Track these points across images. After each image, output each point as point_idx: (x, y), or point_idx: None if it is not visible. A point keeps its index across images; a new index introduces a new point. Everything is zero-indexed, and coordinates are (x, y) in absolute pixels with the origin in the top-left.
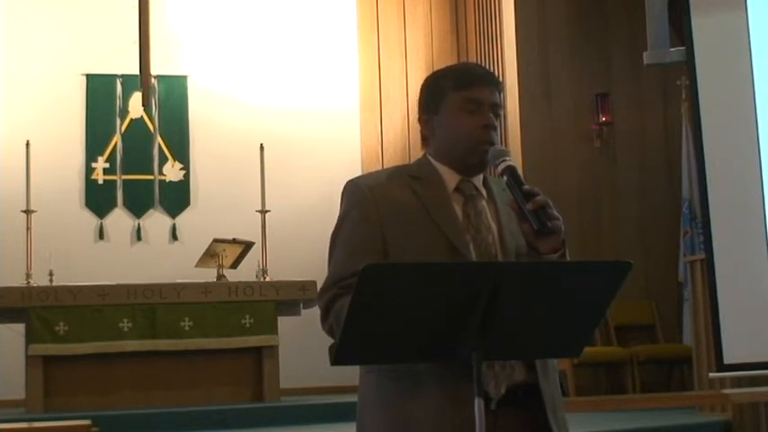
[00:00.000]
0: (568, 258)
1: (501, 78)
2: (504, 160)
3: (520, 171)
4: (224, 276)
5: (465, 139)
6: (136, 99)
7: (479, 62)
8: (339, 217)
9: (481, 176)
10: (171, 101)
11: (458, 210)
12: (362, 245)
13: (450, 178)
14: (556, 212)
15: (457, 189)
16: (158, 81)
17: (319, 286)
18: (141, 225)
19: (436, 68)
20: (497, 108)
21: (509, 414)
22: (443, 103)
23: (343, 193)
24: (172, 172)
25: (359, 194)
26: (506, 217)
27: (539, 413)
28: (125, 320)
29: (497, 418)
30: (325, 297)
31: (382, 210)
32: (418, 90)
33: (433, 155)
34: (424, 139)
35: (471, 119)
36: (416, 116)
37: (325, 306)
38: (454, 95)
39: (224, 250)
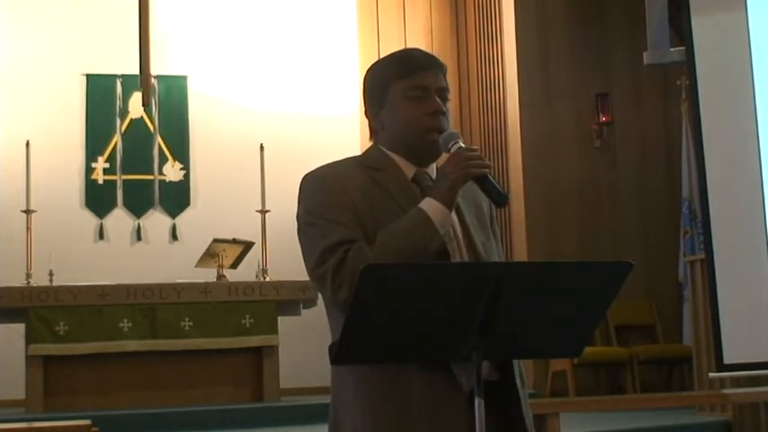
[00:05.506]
0: None
1: (501, 78)
2: (455, 143)
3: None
4: (224, 276)
5: (414, 128)
6: (136, 99)
7: (479, 62)
8: (304, 209)
9: (434, 166)
10: (171, 101)
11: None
12: (344, 217)
13: (407, 168)
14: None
15: (413, 180)
16: (158, 81)
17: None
18: (141, 225)
19: None
20: (444, 92)
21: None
22: (388, 94)
23: (302, 187)
24: (172, 172)
25: (322, 182)
26: (465, 206)
27: (510, 409)
28: (125, 320)
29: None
30: (332, 259)
31: (350, 193)
32: None
33: (384, 145)
34: (374, 132)
35: (418, 107)
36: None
37: (337, 263)
38: (398, 84)
39: (224, 250)
